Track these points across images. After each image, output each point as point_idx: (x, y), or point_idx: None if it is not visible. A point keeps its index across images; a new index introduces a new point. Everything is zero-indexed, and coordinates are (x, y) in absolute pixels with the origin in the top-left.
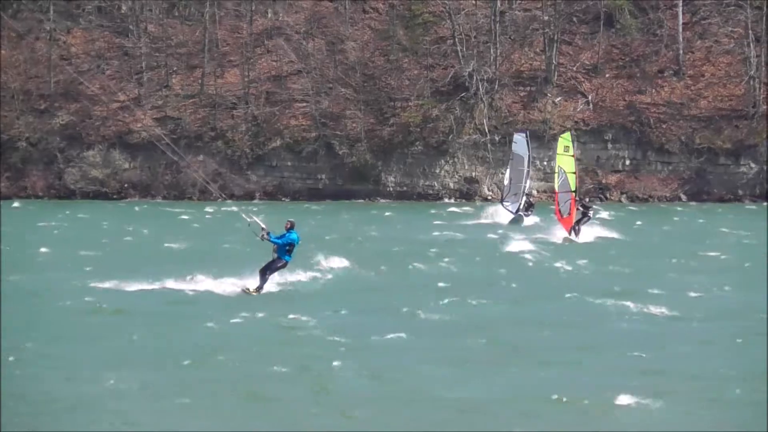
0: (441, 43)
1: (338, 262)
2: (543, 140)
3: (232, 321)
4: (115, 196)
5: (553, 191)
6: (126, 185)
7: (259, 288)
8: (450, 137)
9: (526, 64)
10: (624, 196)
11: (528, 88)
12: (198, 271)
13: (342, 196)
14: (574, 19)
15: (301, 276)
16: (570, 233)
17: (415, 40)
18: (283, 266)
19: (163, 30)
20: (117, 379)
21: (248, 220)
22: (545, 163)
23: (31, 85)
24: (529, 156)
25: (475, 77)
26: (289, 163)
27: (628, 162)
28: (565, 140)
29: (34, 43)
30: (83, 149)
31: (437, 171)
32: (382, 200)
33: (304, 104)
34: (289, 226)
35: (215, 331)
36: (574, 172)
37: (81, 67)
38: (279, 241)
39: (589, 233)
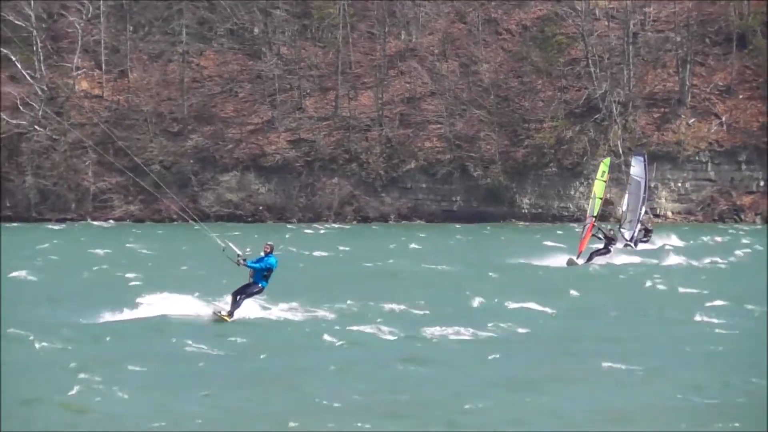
0: (574, 64)
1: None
2: (677, 162)
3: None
4: (249, 219)
5: (688, 212)
6: (260, 208)
7: (231, 313)
8: (584, 159)
9: (659, 86)
10: (758, 217)
11: (661, 110)
12: (169, 292)
13: (476, 218)
14: (707, 40)
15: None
16: (578, 256)
17: (549, 62)
18: (259, 292)
19: (295, 52)
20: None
21: (222, 245)
22: (680, 184)
23: (164, 107)
24: (646, 180)
25: (608, 99)
26: (423, 185)
27: (762, 183)
28: (604, 165)
29: (167, 65)
30: (217, 172)
31: (572, 192)
32: (518, 222)
33: (438, 126)
34: (268, 249)
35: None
36: (602, 198)
37: (213, 90)
38: (257, 266)
39: (601, 259)
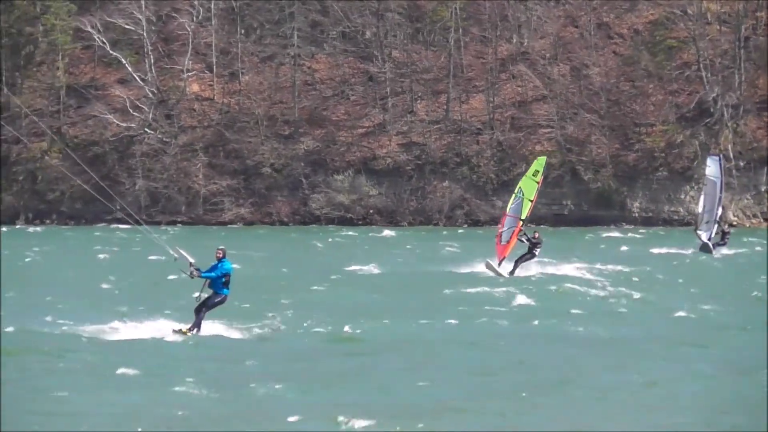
0: (685, 68)
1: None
2: None
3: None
4: (359, 222)
5: None
6: (371, 211)
7: (194, 328)
8: (695, 163)
9: None
10: None
11: None
12: (129, 309)
13: (587, 222)
14: None
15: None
16: (501, 263)
17: (660, 66)
18: (222, 301)
19: (407, 55)
20: None
21: (174, 255)
22: None
23: (276, 110)
24: (721, 181)
25: (719, 103)
26: None
27: None
28: (538, 164)
29: (278, 68)
30: (328, 175)
31: (682, 197)
32: (627, 226)
33: (549, 129)
34: (220, 255)
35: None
36: (532, 200)
37: (325, 93)
38: (213, 274)
39: (535, 269)
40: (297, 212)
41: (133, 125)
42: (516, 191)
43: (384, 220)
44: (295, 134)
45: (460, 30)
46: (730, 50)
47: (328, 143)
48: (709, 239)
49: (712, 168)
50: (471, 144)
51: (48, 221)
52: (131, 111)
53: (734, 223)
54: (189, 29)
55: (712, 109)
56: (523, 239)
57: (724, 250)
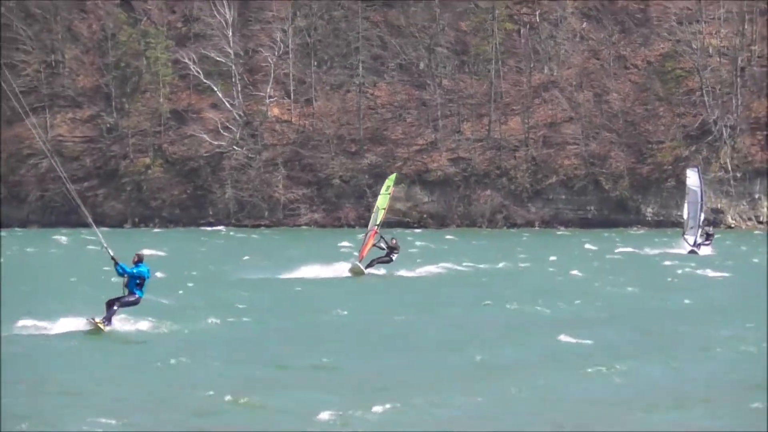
0: (690, 94)
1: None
2: None
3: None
4: (415, 225)
5: None
6: (425, 216)
7: (105, 321)
8: None
9: (763, 112)
10: None
11: (765, 133)
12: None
13: (608, 224)
14: None
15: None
16: (360, 261)
17: (669, 92)
18: (135, 302)
19: (455, 84)
20: None
21: (104, 244)
22: None
23: (344, 131)
24: (701, 189)
25: (719, 123)
26: (563, 197)
27: None
28: (389, 181)
29: (346, 95)
30: None
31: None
32: (642, 228)
33: (575, 146)
34: (136, 259)
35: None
36: (385, 208)
37: (385, 116)
38: (127, 270)
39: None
40: (362, 217)
41: (223, 143)
42: (376, 208)
43: (435, 223)
44: (360, 151)
45: (500, 62)
46: (729, 79)
47: (388, 158)
48: (695, 243)
49: (692, 178)
50: (509, 159)
51: (151, 225)
52: (222, 131)
53: (732, 225)
54: (271, 62)
55: (713, 129)
56: (382, 245)
57: (707, 251)
